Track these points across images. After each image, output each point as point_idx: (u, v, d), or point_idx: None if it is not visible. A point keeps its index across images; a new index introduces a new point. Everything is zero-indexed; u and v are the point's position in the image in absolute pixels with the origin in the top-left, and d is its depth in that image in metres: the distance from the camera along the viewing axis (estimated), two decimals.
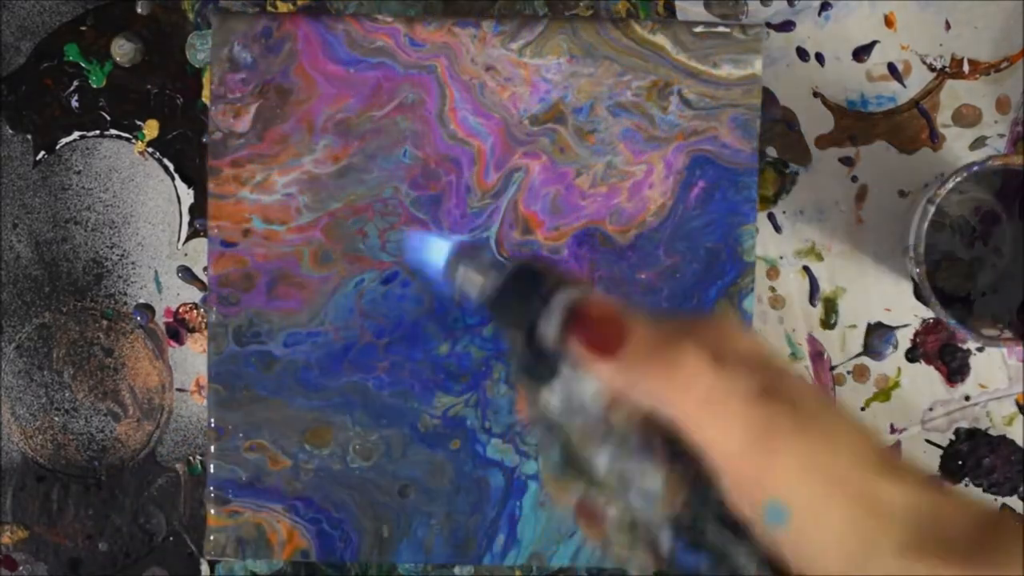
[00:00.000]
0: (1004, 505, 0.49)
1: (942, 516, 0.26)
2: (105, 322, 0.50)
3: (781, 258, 0.50)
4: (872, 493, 0.26)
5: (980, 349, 0.50)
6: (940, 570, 0.26)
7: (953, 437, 0.49)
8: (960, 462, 0.49)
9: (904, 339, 0.50)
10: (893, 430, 0.49)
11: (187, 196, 0.50)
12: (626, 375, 0.27)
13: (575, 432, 0.29)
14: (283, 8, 0.49)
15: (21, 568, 0.50)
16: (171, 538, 0.50)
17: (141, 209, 0.50)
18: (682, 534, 0.28)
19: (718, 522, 0.27)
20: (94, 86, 0.50)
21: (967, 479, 0.49)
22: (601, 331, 0.28)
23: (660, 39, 0.46)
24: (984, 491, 0.49)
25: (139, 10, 0.50)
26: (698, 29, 0.46)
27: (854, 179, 0.50)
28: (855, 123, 0.49)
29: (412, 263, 0.29)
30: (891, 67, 0.49)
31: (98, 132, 0.50)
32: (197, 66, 0.50)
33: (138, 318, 0.50)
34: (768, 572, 0.27)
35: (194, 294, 0.50)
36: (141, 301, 0.50)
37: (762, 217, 0.49)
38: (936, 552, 0.26)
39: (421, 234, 0.29)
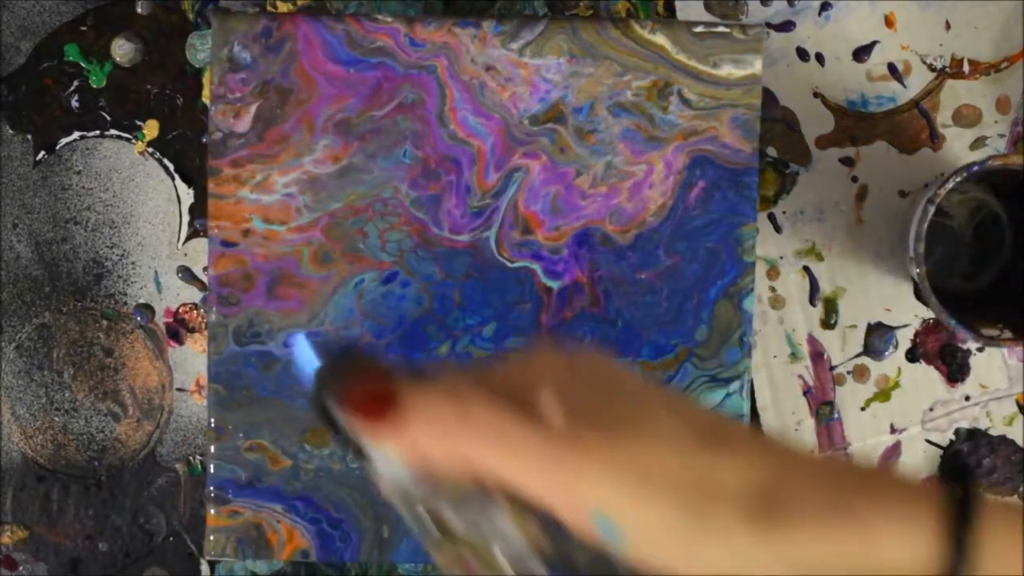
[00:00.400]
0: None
1: (788, 483, 0.26)
2: (105, 322, 0.50)
3: (781, 258, 0.50)
4: (699, 477, 0.26)
5: (980, 349, 0.50)
6: (786, 537, 0.25)
7: (953, 437, 0.49)
8: (960, 462, 0.49)
9: (904, 339, 0.50)
10: (893, 430, 0.49)
11: (187, 196, 0.50)
12: (411, 440, 0.27)
13: (417, 500, 0.28)
14: (283, 8, 0.49)
15: (21, 568, 0.50)
16: (171, 538, 0.50)
17: (141, 209, 0.50)
18: (556, 566, 0.27)
19: (582, 546, 0.27)
20: (94, 86, 0.50)
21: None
22: (367, 402, 0.27)
23: (660, 39, 0.46)
24: (984, 491, 0.49)
25: (139, 10, 0.50)
26: (698, 29, 0.46)
27: (854, 179, 0.50)
28: (855, 123, 0.49)
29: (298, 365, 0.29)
30: (891, 67, 0.49)
31: (98, 132, 0.50)
32: (197, 66, 0.50)
33: (138, 318, 0.50)
34: None
35: (194, 294, 0.50)
36: (141, 301, 0.50)
37: (762, 217, 0.49)
38: (780, 521, 0.25)
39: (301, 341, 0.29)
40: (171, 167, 0.50)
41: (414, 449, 0.27)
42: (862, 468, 0.27)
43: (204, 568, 0.50)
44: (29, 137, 0.50)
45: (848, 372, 0.49)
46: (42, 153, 0.50)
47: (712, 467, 0.26)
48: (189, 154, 0.50)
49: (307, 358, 0.29)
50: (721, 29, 0.46)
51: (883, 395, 0.49)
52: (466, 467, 0.27)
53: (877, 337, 0.49)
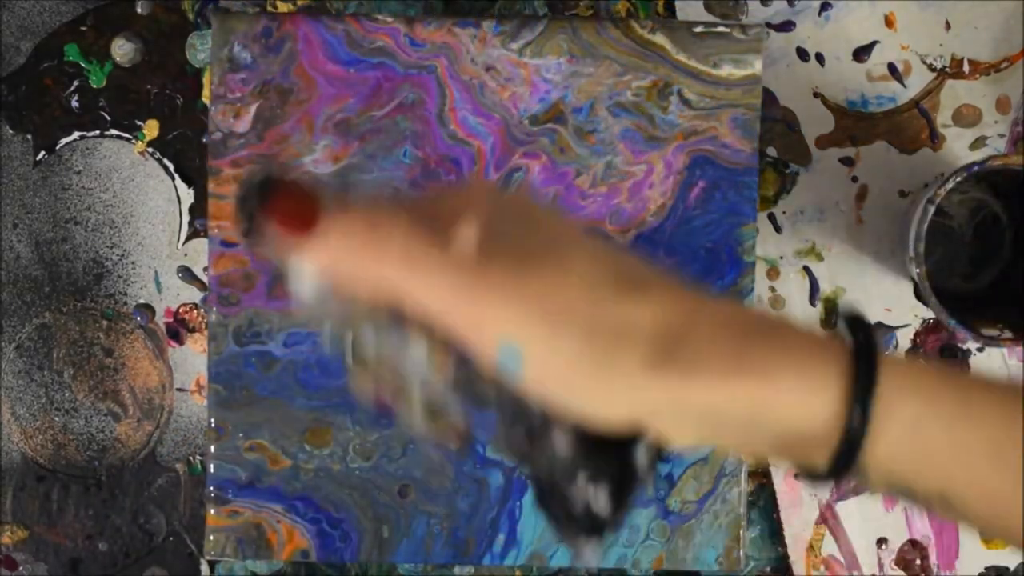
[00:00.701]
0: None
1: (696, 328, 0.26)
2: (105, 322, 0.50)
3: (781, 258, 0.50)
4: (608, 317, 0.25)
5: (980, 349, 0.50)
6: (690, 380, 0.25)
7: None
8: None
9: (904, 339, 0.50)
10: None
11: (187, 196, 0.50)
12: (326, 251, 0.26)
13: (330, 318, 0.28)
14: (283, 8, 0.49)
15: (21, 568, 0.50)
16: (171, 538, 0.50)
17: (141, 209, 0.50)
18: (465, 395, 0.27)
19: (491, 380, 0.27)
20: (94, 86, 0.50)
21: None
22: (289, 207, 0.26)
23: (660, 39, 0.46)
24: None
25: (139, 10, 0.50)
26: (698, 29, 0.46)
27: (854, 179, 0.50)
28: (855, 123, 0.49)
29: None
30: (891, 67, 0.49)
31: (98, 132, 0.50)
32: (197, 66, 0.50)
33: (138, 318, 0.50)
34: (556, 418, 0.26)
35: (194, 294, 0.50)
36: (141, 301, 0.50)
37: (762, 217, 0.49)
38: (683, 363, 0.25)
39: None
40: (171, 167, 0.50)
41: (332, 268, 0.26)
42: (771, 318, 0.27)
43: (204, 568, 0.50)
44: (29, 137, 0.50)
45: None
46: (42, 153, 0.50)
47: (622, 309, 0.26)
48: (189, 154, 0.50)
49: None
50: (721, 29, 0.46)
51: None
52: (381, 291, 0.26)
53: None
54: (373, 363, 0.28)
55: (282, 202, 0.26)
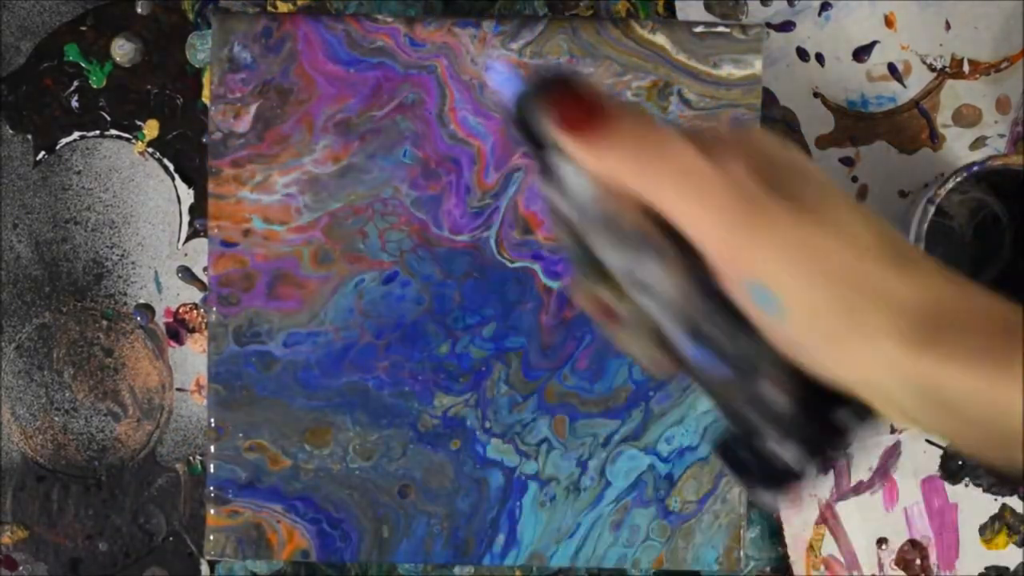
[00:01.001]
0: None
1: (959, 314, 0.26)
2: (105, 322, 0.50)
3: None
4: (873, 282, 0.25)
5: None
6: (946, 364, 0.25)
7: None
8: (960, 462, 0.49)
9: None
10: (893, 430, 0.49)
11: (187, 196, 0.50)
12: (605, 157, 0.26)
13: (581, 229, 0.28)
14: (283, 8, 0.49)
15: (21, 568, 0.50)
16: (171, 538, 0.50)
17: (141, 209, 0.50)
18: (693, 331, 0.27)
19: (721, 313, 0.27)
20: (94, 86, 0.50)
21: (967, 479, 0.49)
22: (577, 109, 0.27)
23: (660, 39, 0.46)
24: (984, 491, 0.49)
25: (139, 10, 0.50)
26: (698, 29, 0.46)
27: (854, 179, 0.50)
28: (855, 123, 0.49)
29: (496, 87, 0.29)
30: (891, 67, 0.49)
31: (98, 132, 0.50)
32: (197, 66, 0.50)
33: (138, 318, 0.50)
34: (771, 363, 0.26)
35: (194, 294, 0.50)
36: (141, 301, 0.50)
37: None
38: (944, 347, 0.25)
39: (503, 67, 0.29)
40: (171, 167, 0.50)
41: (606, 166, 0.26)
42: None
43: (204, 568, 0.50)
44: (29, 137, 0.50)
45: None
46: (42, 153, 0.50)
47: (886, 277, 0.26)
48: (189, 154, 0.50)
49: (506, 77, 0.29)
50: (721, 29, 0.46)
51: None
52: (646, 198, 0.26)
53: None
54: (609, 276, 0.28)
55: (570, 100, 0.26)
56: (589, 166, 0.27)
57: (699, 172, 0.26)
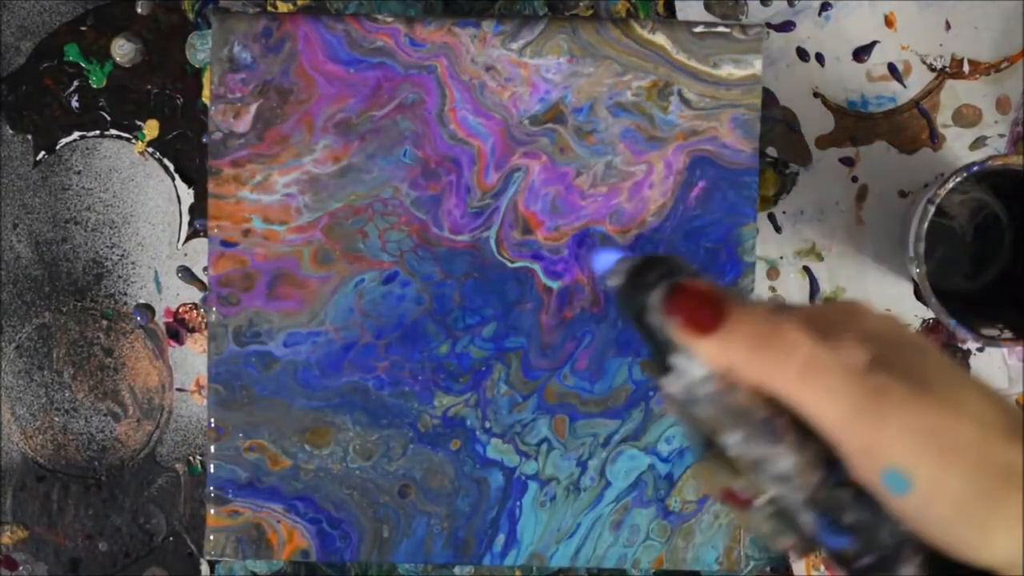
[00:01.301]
0: None
1: None
2: (105, 322, 0.50)
3: (781, 258, 0.50)
4: (1000, 458, 0.26)
5: (980, 349, 0.50)
6: None
7: None
8: None
9: None
10: None
11: (187, 196, 0.50)
12: (729, 350, 0.27)
13: (702, 416, 0.29)
14: (283, 8, 0.49)
15: (21, 568, 0.50)
16: (171, 538, 0.50)
17: (141, 209, 0.50)
18: (822, 514, 0.28)
19: (856, 500, 0.27)
20: (94, 86, 0.50)
21: None
22: (700, 306, 0.28)
23: (660, 39, 0.46)
24: None
25: (139, 10, 0.50)
26: (698, 29, 0.46)
27: (854, 179, 0.50)
28: (855, 123, 0.49)
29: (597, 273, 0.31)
30: (891, 67, 0.49)
31: (98, 132, 0.50)
32: (197, 66, 0.50)
33: (138, 318, 0.50)
34: (912, 547, 0.27)
35: (194, 294, 0.50)
36: (141, 301, 0.50)
37: (762, 217, 0.49)
38: None
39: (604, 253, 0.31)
40: (171, 167, 0.50)
41: (729, 360, 0.27)
42: None
43: (204, 568, 0.50)
44: (29, 137, 0.50)
45: None
46: (42, 153, 0.50)
47: (1013, 453, 0.26)
48: (189, 154, 0.50)
49: (609, 266, 0.30)
50: (721, 29, 0.46)
51: None
52: (767, 388, 0.27)
53: None
54: (732, 462, 0.29)
55: (688, 299, 0.28)
56: (712, 362, 0.28)
57: (818, 362, 0.26)
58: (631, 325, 0.30)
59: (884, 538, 0.27)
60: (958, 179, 0.43)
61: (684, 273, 0.29)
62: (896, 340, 0.28)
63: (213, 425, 0.47)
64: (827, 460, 0.27)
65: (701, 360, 0.28)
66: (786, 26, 0.49)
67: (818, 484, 0.27)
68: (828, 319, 0.28)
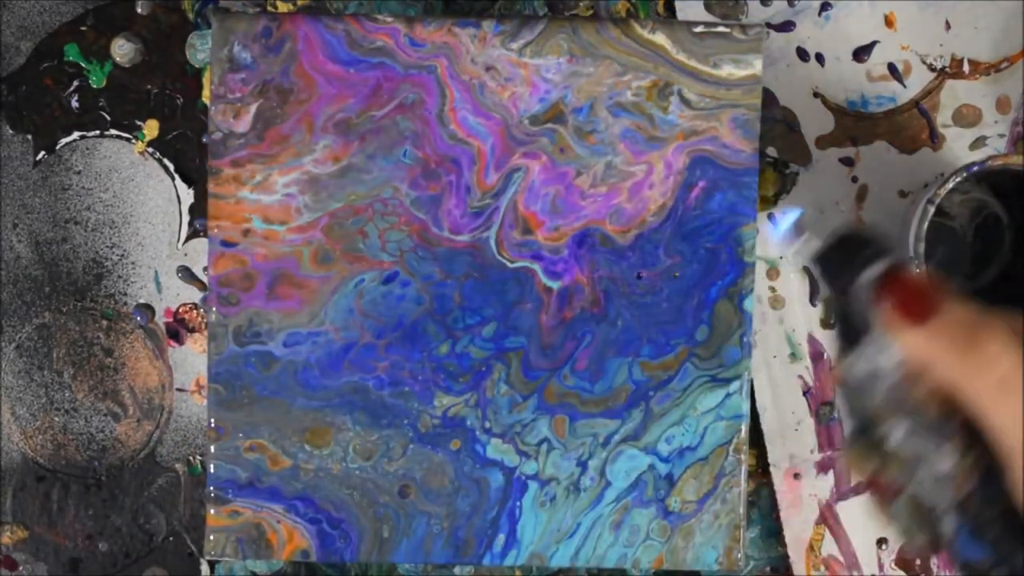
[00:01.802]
0: None
1: None
2: (105, 322, 0.50)
3: (781, 258, 0.50)
4: None
5: None
6: None
7: None
8: None
9: None
10: None
11: (187, 196, 0.50)
12: (931, 346, 0.27)
13: (874, 401, 0.29)
14: (283, 8, 0.49)
15: (21, 568, 0.50)
16: (171, 538, 0.50)
17: (141, 209, 0.50)
18: (966, 523, 0.27)
19: (1005, 518, 0.27)
20: (94, 86, 0.50)
21: None
22: (914, 297, 0.28)
23: (660, 39, 0.46)
24: None
25: (139, 10, 0.50)
26: (698, 29, 0.46)
27: (854, 179, 0.50)
28: (855, 123, 0.49)
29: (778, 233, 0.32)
30: (891, 67, 0.49)
31: (98, 132, 0.50)
32: (197, 66, 0.50)
33: (138, 318, 0.50)
34: None
35: (194, 294, 0.50)
36: (141, 301, 0.50)
37: (762, 217, 0.49)
38: None
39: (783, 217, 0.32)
40: (171, 167, 0.50)
41: (928, 354, 0.27)
42: None
43: (204, 568, 0.50)
44: (29, 137, 0.50)
45: None
46: (42, 153, 0.50)
47: None
48: (189, 154, 0.50)
49: (788, 226, 0.31)
50: (721, 29, 0.46)
51: None
52: (956, 389, 0.27)
53: None
54: (891, 454, 0.29)
55: (904, 287, 0.28)
56: (911, 351, 0.28)
57: (1015, 385, 0.26)
58: (833, 294, 0.30)
59: (1020, 561, 0.27)
60: (958, 179, 0.43)
61: (894, 256, 0.29)
62: None
63: (213, 425, 0.47)
64: (987, 471, 0.27)
65: (900, 348, 0.28)
66: (786, 26, 0.49)
67: (972, 492, 0.27)
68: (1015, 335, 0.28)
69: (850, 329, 0.29)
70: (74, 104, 0.50)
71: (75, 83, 0.50)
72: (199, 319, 0.50)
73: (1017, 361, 0.26)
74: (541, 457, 0.47)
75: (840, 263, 0.30)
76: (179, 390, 0.50)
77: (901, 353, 0.28)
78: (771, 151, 0.49)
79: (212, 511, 0.47)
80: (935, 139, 0.49)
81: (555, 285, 0.47)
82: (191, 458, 0.50)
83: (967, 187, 0.49)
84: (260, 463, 0.47)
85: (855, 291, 0.29)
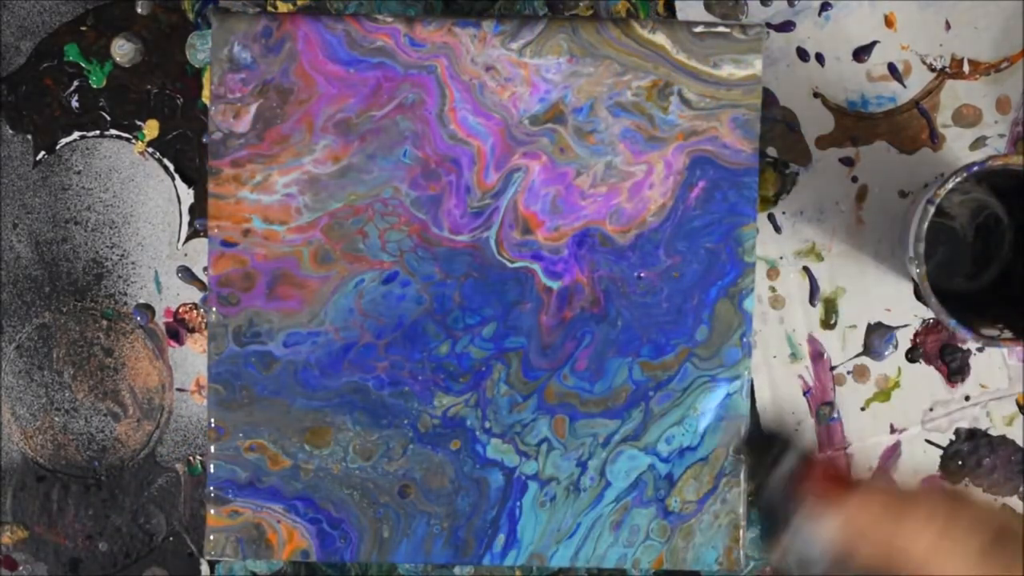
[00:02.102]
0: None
1: None
2: (105, 322, 0.50)
3: (781, 258, 0.50)
4: None
5: (980, 349, 0.50)
6: None
7: (953, 437, 0.49)
8: (960, 462, 0.49)
9: (904, 339, 0.50)
10: (893, 430, 0.49)
11: (187, 196, 0.50)
12: (856, 524, 0.29)
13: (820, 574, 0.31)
14: (283, 8, 0.49)
15: (21, 568, 0.50)
16: (171, 538, 0.50)
17: (141, 209, 0.50)
18: None
19: None
20: (94, 86, 0.50)
21: (967, 479, 0.49)
22: (831, 482, 0.30)
23: (660, 39, 0.46)
24: (984, 491, 0.49)
25: (139, 10, 0.50)
26: (698, 29, 0.46)
27: (854, 179, 0.50)
28: (855, 123, 0.49)
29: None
30: (891, 67, 0.49)
31: (98, 132, 0.50)
32: (197, 66, 0.50)
33: (138, 318, 0.50)
34: None
35: (194, 294, 0.50)
36: (141, 301, 0.50)
37: (762, 217, 0.49)
38: None
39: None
40: (171, 167, 0.50)
41: (847, 530, 0.30)
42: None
43: (204, 568, 0.50)
44: (29, 137, 0.50)
45: (848, 372, 0.49)
46: (42, 153, 0.50)
47: None
48: (189, 154, 0.50)
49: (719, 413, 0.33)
50: (721, 29, 0.46)
51: (883, 395, 0.49)
52: (882, 565, 0.29)
53: (877, 337, 0.49)
54: None
55: (820, 474, 0.31)
56: (837, 534, 0.30)
57: (943, 552, 0.28)
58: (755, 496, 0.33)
59: None
60: (958, 179, 0.43)
61: (798, 448, 0.31)
62: (1002, 526, 0.29)
63: (213, 425, 0.47)
64: None
65: (825, 533, 0.30)
66: (786, 26, 0.49)
67: None
68: (960, 504, 0.30)
69: (774, 524, 0.31)
70: (74, 104, 0.50)
71: (75, 83, 0.50)
72: (199, 319, 0.50)
73: (940, 530, 0.28)
74: (541, 457, 0.47)
75: (751, 465, 0.32)
76: (179, 390, 0.50)
77: (828, 538, 0.30)
78: (771, 151, 0.49)
79: (212, 511, 0.47)
80: (935, 139, 0.49)
81: (555, 285, 0.47)
82: (191, 458, 0.50)
83: (967, 187, 0.49)
84: (260, 463, 0.47)
85: (771, 490, 0.31)
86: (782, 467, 0.32)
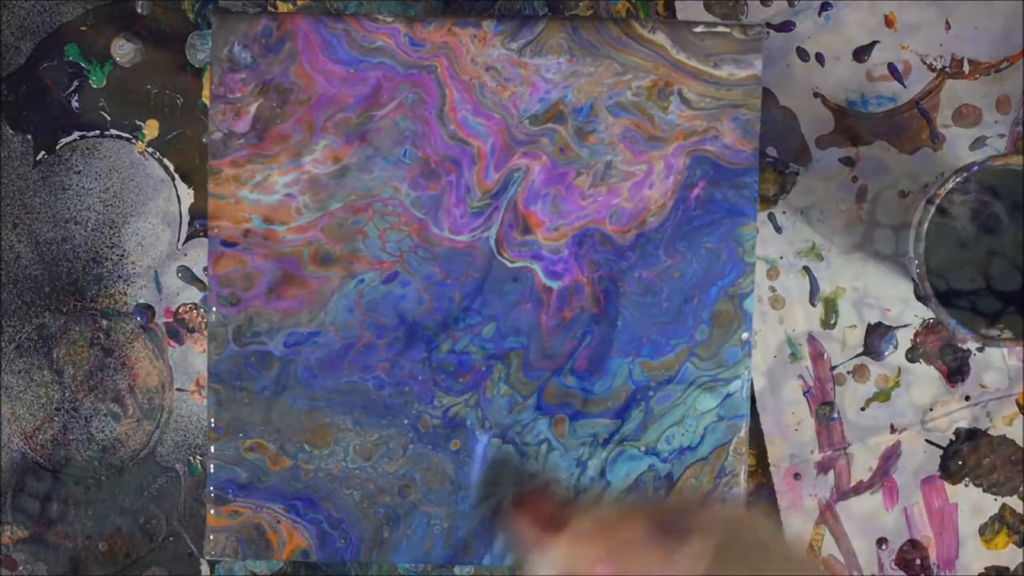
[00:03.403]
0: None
1: None
2: (105, 322, 0.50)
3: (781, 258, 0.50)
4: None
5: (980, 349, 0.50)
6: None
7: (953, 437, 0.49)
8: (960, 462, 0.49)
9: (904, 339, 0.50)
10: (893, 430, 0.49)
11: (187, 196, 0.50)
12: (576, 549, 0.30)
13: None
14: (283, 8, 0.49)
15: (21, 568, 0.50)
16: (171, 538, 0.50)
17: (141, 209, 0.50)
18: None
19: None
20: (94, 86, 0.50)
21: (967, 479, 0.49)
22: (543, 512, 0.31)
23: (660, 39, 0.46)
24: (984, 491, 0.49)
25: (139, 10, 0.50)
26: (698, 29, 0.46)
27: (854, 179, 0.50)
28: (855, 123, 0.49)
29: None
30: (891, 67, 0.49)
31: (98, 132, 0.50)
32: (197, 66, 0.50)
33: (138, 318, 0.50)
34: None
35: (194, 294, 0.50)
36: (141, 301, 0.50)
37: (762, 217, 0.49)
38: None
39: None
40: (171, 167, 0.50)
41: (573, 562, 0.30)
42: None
43: (204, 568, 0.50)
44: (29, 137, 0.50)
45: (848, 372, 0.49)
46: (42, 153, 0.50)
47: None
48: (189, 154, 0.50)
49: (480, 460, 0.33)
50: (721, 29, 0.46)
51: (883, 395, 0.49)
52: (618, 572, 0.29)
53: (877, 337, 0.49)
54: None
55: (531, 507, 0.32)
56: (559, 562, 0.30)
57: (655, 566, 0.28)
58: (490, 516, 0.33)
59: None
60: (958, 179, 0.43)
61: (520, 478, 0.32)
62: (747, 539, 0.30)
63: (213, 425, 0.47)
64: None
65: (549, 564, 0.30)
66: (786, 26, 0.49)
67: None
68: (688, 513, 0.30)
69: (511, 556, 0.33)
70: (74, 104, 0.50)
71: (75, 83, 0.50)
72: (199, 319, 0.50)
73: (649, 541, 0.29)
74: (541, 457, 0.47)
75: (486, 499, 0.33)
76: (179, 390, 0.50)
77: (552, 568, 0.30)
78: (771, 151, 0.49)
79: (212, 511, 0.47)
80: (935, 139, 0.49)
81: (555, 285, 0.47)
82: (191, 458, 0.50)
83: (967, 187, 0.49)
84: (260, 463, 0.47)
85: (505, 531, 0.32)
86: (503, 508, 0.33)
